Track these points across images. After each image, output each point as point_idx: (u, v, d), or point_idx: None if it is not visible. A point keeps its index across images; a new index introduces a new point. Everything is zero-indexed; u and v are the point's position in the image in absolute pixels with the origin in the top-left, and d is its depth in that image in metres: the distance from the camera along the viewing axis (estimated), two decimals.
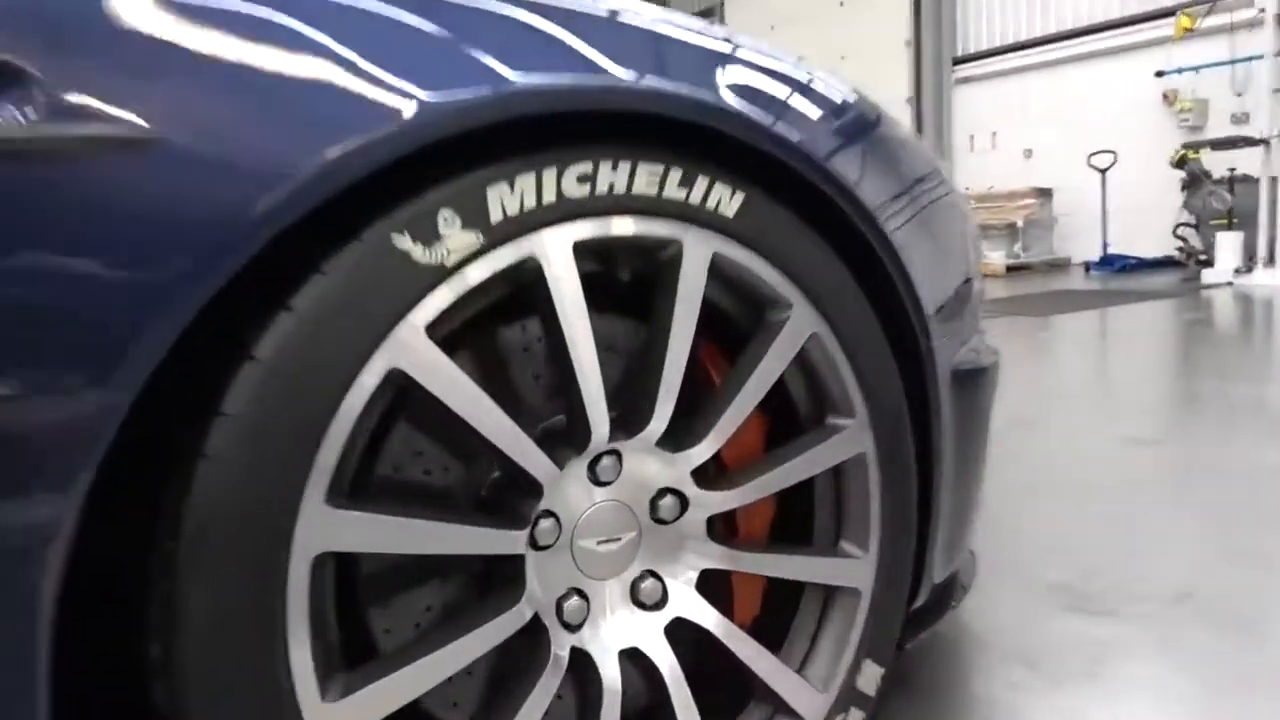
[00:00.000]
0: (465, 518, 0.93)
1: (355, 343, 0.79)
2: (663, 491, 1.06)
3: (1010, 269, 11.01)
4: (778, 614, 1.18)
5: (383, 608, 0.98)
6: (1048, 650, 1.64)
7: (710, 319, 1.08)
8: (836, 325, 1.11)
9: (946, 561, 1.43)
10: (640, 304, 1.10)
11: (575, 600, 1.00)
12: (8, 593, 0.68)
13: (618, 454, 1.02)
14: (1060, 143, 11.91)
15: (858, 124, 1.17)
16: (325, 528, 0.79)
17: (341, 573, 0.95)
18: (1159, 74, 10.86)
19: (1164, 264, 10.42)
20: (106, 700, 0.86)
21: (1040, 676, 1.56)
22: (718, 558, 1.08)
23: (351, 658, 0.93)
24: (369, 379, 0.80)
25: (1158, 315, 6.43)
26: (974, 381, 1.42)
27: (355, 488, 0.93)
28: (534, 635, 0.97)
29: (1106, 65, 11.45)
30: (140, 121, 0.69)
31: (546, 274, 0.90)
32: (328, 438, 0.79)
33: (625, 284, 1.09)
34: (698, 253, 1.00)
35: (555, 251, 0.90)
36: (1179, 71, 10.62)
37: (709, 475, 1.11)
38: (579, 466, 1.00)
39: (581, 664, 1.00)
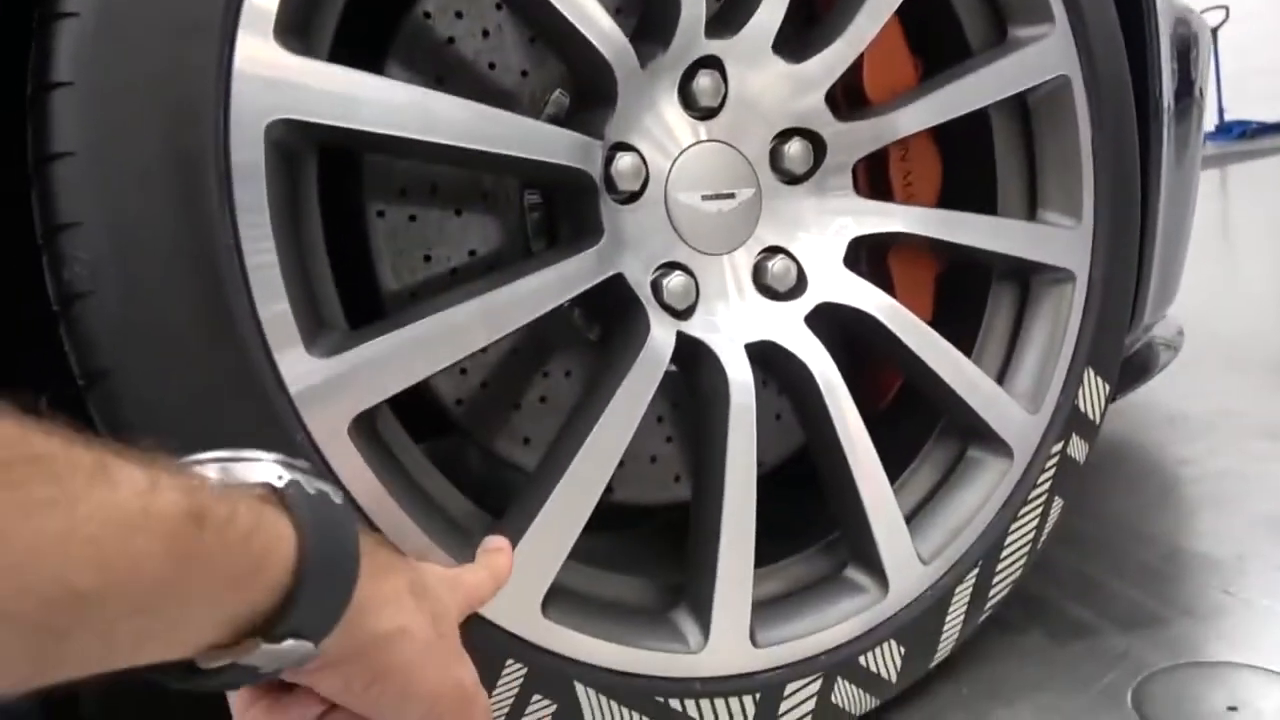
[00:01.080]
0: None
1: None
2: (787, 133, 0.75)
3: None
4: (957, 317, 0.86)
5: (398, 254, 0.69)
6: None
7: None
8: None
9: (1161, 296, 1.08)
10: None
11: (679, 278, 0.70)
12: None
13: (720, 68, 0.71)
14: None
15: None
16: (277, 70, 0.51)
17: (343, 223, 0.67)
18: None
19: None
20: None
21: None
22: (869, 217, 0.76)
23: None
24: None
25: None
26: (1191, 52, 1.06)
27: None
28: (623, 313, 0.68)
29: None
30: None
31: None
32: None
33: None
34: None
35: None
36: None
37: (846, 109, 0.79)
38: (667, 79, 0.69)
39: (695, 359, 0.71)
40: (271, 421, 0.51)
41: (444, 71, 0.70)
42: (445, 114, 0.56)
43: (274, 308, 0.51)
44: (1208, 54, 1.12)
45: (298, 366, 0.52)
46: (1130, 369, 1.11)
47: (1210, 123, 9.95)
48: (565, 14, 0.61)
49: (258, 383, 0.51)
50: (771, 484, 0.75)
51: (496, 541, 0.58)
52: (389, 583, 0.41)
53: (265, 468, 0.38)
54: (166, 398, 0.49)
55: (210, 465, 0.37)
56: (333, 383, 0.53)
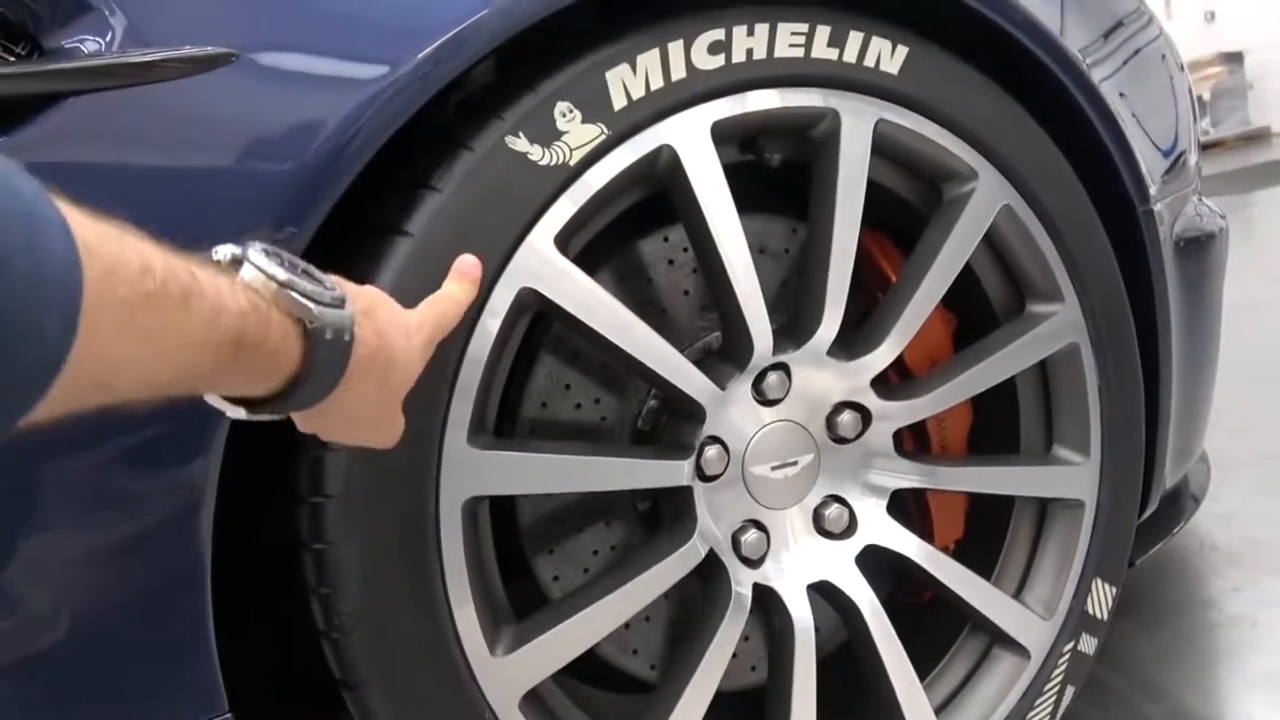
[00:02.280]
0: (622, 451, 0.84)
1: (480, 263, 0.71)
2: (840, 406, 0.93)
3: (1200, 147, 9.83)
4: (985, 535, 1.04)
5: (547, 554, 0.91)
6: None
7: (879, 205, 0.93)
8: (1032, 194, 0.93)
9: (1179, 463, 1.23)
10: (791, 199, 0.97)
11: (753, 533, 0.90)
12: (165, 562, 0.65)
13: (785, 368, 0.90)
14: None
15: None
16: (471, 471, 0.72)
17: (501, 520, 0.89)
18: None
19: None
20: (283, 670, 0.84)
21: None
22: (909, 475, 0.95)
23: (520, 609, 0.86)
24: (499, 301, 0.72)
25: None
26: (1201, 252, 1.20)
27: (502, 427, 0.86)
28: (712, 574, 0.88)
29: None
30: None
31: (683, 163, 0.78)
32: (462, 371, 0.71)
33: (773, 178, 0.96)
34: (857, 124, 0.86)
35: (691, 136, 0.78)
36: None
37: (891, 383, 0.97)
38: (742, 385, 0.88)
39: (768, 602, 0.90)
40: (467, 702, 0.73)
41: (572, 378, 0.91)
42: (580, 470, 0.77)
43: (472, 634, 0.73)
44: (1223, 264, 1.25)
45: (486, 671, 0.73)
46: (1152, 530, 1.26)
47: None
48: (660, 373, 0.81)
49: (461, 681, 0.73)
50: (828, 661, 0.94)
51: (467, 263, 0.69)
52: (360, 380, 0.55)
53: (308, 309, 0.50)
54: (404, 698, 0.72)
55: (272, 283, 0.49)
56: (508, 673, 0.75)
